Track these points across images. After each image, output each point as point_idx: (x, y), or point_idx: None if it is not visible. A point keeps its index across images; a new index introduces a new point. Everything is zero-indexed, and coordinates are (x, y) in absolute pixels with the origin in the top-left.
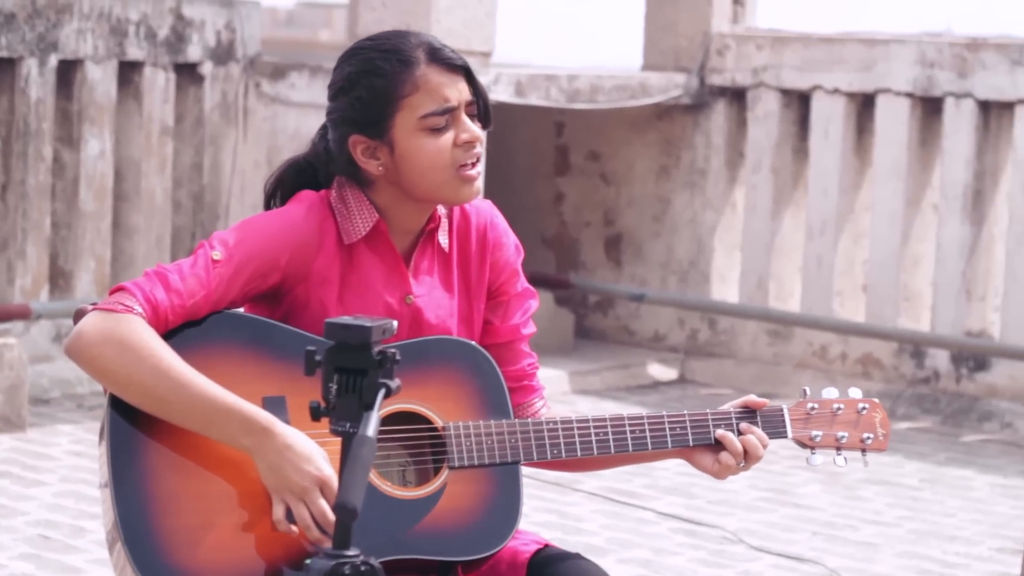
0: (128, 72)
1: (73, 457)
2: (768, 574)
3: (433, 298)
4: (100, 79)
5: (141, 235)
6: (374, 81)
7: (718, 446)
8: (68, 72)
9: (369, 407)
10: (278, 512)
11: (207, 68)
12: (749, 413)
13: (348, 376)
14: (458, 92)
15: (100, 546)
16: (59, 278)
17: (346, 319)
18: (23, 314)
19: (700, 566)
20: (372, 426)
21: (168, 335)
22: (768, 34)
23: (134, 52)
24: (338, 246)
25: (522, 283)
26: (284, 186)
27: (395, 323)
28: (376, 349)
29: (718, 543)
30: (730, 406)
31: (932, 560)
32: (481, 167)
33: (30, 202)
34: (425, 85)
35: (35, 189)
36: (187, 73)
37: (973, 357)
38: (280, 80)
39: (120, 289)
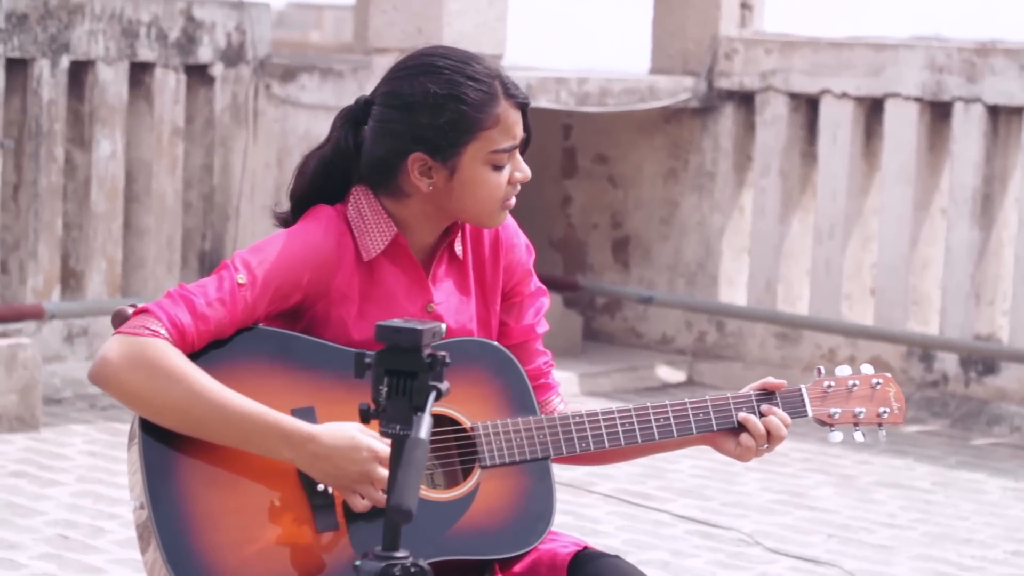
0: (139, 73)
1: (88, 457)
2: None
3: (452, 304)
4: (111, 80)
5: (152, 236)
6: (462, 108)
7: (740, 429)
8: (80, 73)
9: (419, 409)
10: (358, 503)
11: (217, 70)
12: (768, 395)
13: (398, 378)
14: (520, 130)
15: (120, 546)
16: (71, 278)
17: (397, 322)
18: (36, 314)
19: (718, 568)
20: (425, 428)
21: (193, 353)
22: (777, 38)
23: (145, 53)
24: (356, 262)
25: (535, 283)
26: (314, 190)
27: (443, 326)
28: (426, 352)
29: (735, 545)
30: (749, 389)
31: (948, 563)
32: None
33: (42, 203)
34: (504, 121)
35: (47, 190)
36: (197, 74)
37: (982, 361)
38: (290, 82)
39: (144, 311)
